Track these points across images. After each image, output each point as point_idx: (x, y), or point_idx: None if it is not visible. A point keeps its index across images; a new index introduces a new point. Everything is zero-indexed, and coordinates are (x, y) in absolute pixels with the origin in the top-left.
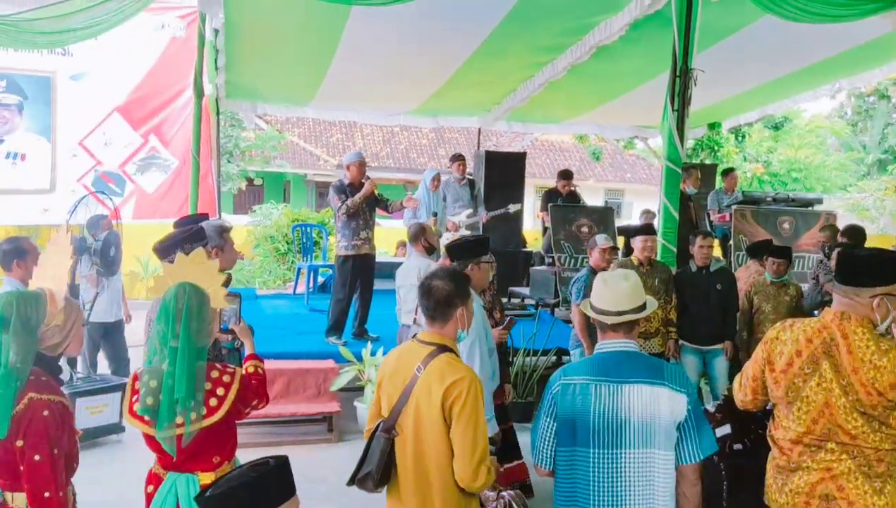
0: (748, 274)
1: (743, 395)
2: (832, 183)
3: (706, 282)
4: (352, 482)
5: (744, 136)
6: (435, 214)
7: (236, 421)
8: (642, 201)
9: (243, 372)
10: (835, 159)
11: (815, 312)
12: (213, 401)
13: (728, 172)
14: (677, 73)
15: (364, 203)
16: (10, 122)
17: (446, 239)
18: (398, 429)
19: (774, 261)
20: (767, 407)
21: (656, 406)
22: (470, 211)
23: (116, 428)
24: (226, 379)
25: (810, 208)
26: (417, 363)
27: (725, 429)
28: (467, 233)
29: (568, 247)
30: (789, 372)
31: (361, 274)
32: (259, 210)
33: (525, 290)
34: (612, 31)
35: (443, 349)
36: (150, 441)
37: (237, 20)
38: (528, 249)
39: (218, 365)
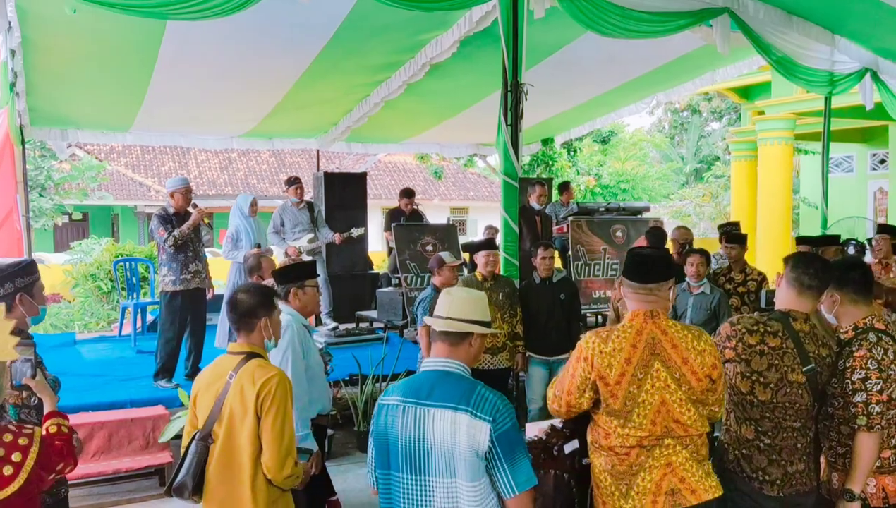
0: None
1: (557, 407)
2: (657, 192)
3: (550, 293)
4: (168, 491)
5: (575, 151)
6: (258, 245)
7: (39, 491)
8: (486, 218)
9: (43, 432)
10: (657, 170)
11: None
12: (7, 470)
13: (564, 186)
14: (508, 88)
15: (192, 233)
16: None
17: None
18: (213, 436)
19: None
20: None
21: (456, 433)
22: (311, 235)
23: None
24: (22, 441)
25: (639, 216)
26: (229, 371)
27: (574, 444)
28: (308, 258)
29: (414, 266)
30: (623, 382)
31: (192, 310)
32: (79, 246)
33: (373, 313)
34: (444, 48)
35: (252, 355)
36: None
37: (36, 39)
38: (376, 271)
39: (11, 427)
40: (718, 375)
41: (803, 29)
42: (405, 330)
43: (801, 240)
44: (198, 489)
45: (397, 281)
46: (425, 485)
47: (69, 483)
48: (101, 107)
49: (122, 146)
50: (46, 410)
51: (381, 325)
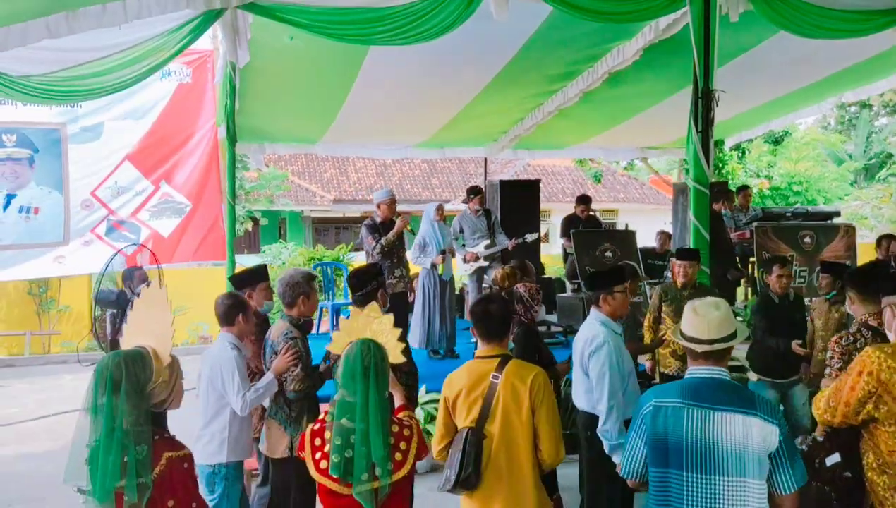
0: None
1: (830, 417)
2: (832, 193)
3: (787, 313)
4: (454, 486)
5: (744, 152)
6: (443, 251)
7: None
8: (635, 220)
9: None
10: (832, 170)
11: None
12: (398, 456)
13: (742, 189)
14: (699, 95)
15: (396, 240)
16: (22, 177)
17: (466, 269)
18: (486, 433)
19: (824, 277)
20: None
21: (749, 435)
22: (487, 242)
23: None
24: (406, 433)
25: (829, 221)
26: (490, 374)
27: (835, 458)
28: (485, 263)
29: (593, 272)
30: None
31: (395, 313)
32: (268, 250)
33: (552, 317)
34: (626, 57)
35: (508, 357)
36: (333, 498)
37: (253, 63)
38: (548, 276)
39: (395, 419)
40: None
41: None
42: None
43: None
44: (479, 479)
45: (575, 287)
46: (714, 484)
47: None
48: (298, 122)
49: (289, 154)
50: (397, 403)
51: (560, 329)
